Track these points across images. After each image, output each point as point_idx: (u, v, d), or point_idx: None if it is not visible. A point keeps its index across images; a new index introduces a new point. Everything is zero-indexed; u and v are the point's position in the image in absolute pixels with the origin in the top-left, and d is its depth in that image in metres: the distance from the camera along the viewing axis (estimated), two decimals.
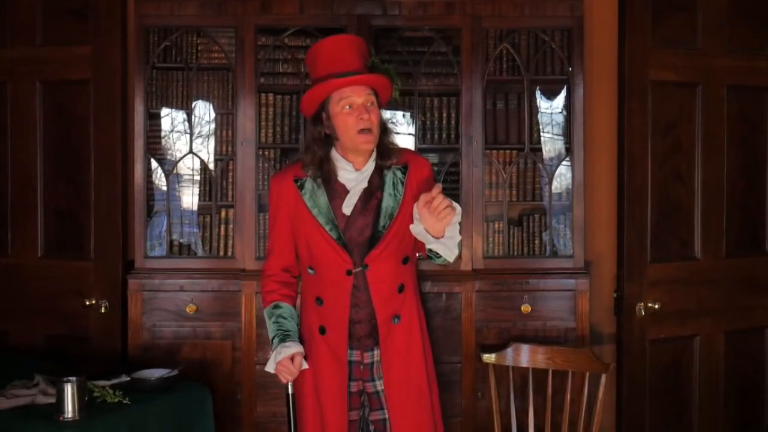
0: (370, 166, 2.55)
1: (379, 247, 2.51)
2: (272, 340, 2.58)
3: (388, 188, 2.55)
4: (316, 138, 2.53)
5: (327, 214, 2.53)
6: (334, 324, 2.55)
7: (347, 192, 2.55)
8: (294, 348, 2.52)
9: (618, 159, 3.48)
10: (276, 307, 2.61)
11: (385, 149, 2.56)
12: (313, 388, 2.58)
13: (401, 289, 2.57)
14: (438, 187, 2.31)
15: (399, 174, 2.57)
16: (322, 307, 2.57)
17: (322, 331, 2.56)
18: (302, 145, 3.50)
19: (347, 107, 2.46)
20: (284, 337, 2.55)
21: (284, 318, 2.59)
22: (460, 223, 2.43)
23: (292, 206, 2.58)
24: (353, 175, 2.54)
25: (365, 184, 2.55)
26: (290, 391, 2.58)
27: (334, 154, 2.55)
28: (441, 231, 2.36)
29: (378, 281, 2.53)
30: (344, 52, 2.50)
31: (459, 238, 2.44)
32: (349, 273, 2.52)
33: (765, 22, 3.64)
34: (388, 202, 2.54)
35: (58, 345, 3.56)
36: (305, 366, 2.56)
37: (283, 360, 2.50)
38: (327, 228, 2.52)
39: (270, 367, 2.54)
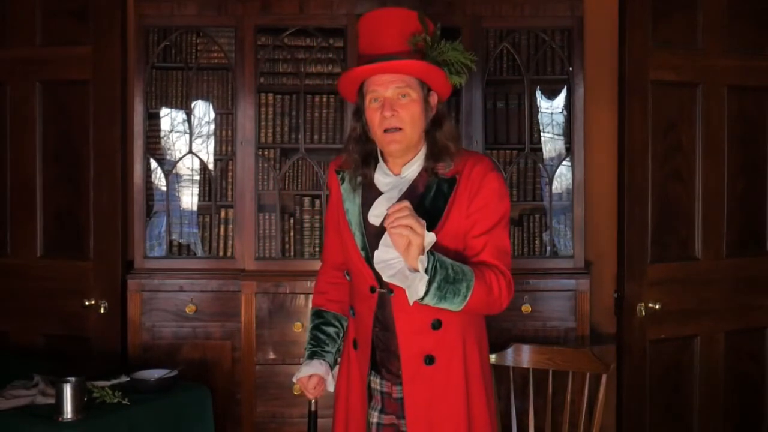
0: (412, 170, 2.12)
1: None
2: (304, 350, 2.35)
3: (426, 201, 2.08)
4: (353, 136, 2.18)
5: (358, 219, 2.15)
6: (362, 342, 2.20)
7: None
8: (314, 368, 2.27)
9: (618, 159, 3.48)
10: (317, 315, 2.35)
11: (435, 148, 2.10)
12: (345, 405, 2.27)
13: (437, 325, 2.09)
14: (400, 204, 1.88)
15: (445, 187, 2.08)
16: (355, 319, 2.24)
17: (355, 345, 2.24)
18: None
19: (374, 101, 2.06)
20: (312, 354, 2.30)
21: (321, 330, 2.32)
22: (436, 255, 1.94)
23: (336, 198, 2.25)
24: (389, 180, 2.13)
25: (398, 193, 2.10)
26: (312, 409, 2.42)
27: (379, 154, 2.17)
28: (413, 260, 1.89)
29: (404, 311, 2.06)
30: (380, 31, 2.07)
31: (424, 278, 1.89)
32: (372, 290, 2.14)
33: (765, 22, 3.64)
34: (422, 216, 1.97)
35: (58, 345, 3.56)
36: (330, 388, 2.31)
37: (302, 378, 2.29)
38: (356, 235, 2.15)
39: (294, 379, 2.33)
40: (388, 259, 1.94)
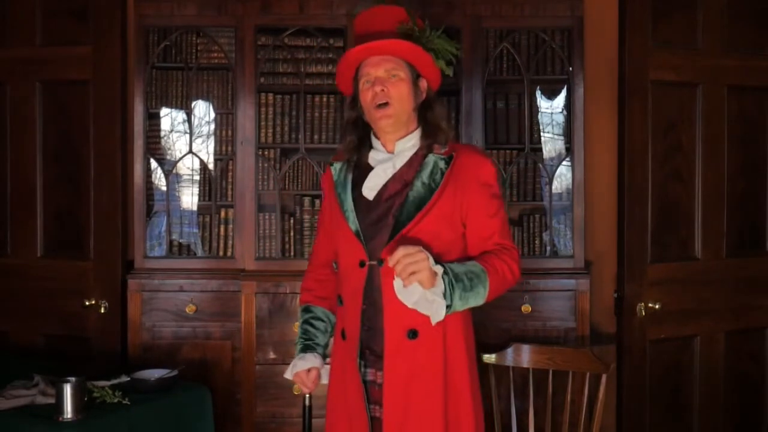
0: (408, 149, 2.25)
1: (396, 241, 2.13)
2: (295, 345, 2.41)
3: (422, 176, 2.20)
4: (349, 121, 2.31)
5: (349, 198, 2.26)
6: (351, 328, 2.24)
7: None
8: (310, 362, 2.34)
9: (618, 159, 3.48)
10: (306, 310, 2.42)
11: (429, 127, 2.25)
12: (344, 399, 2.29)
13: None
14: (400, 251, 1.98)
15: (441, 163, 2.21)
16: (342, 308, 2.30)
17: (343, 335, 2.28)
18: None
19: (367, 83, 2.22)
20: (305, 348, 2.36)
21: (311, 324, 2.39)
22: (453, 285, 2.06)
23: (329, 194, 2.37)
24: (383, 156, 2.26)
25: (393, 168, 2.24)
26: (307, 403, 2.47)
27: (372, 135, 2.31)
28: (427, 285, 2.02)
29: (392, 282, 2.11)
30: (372, 23, 2.26)
31: (443, 303, 2.04)
32: (362, 264, 2.19)
33: (765, 22, 3.64)
34: (418, 190, 2.18)
35: (58, 345, 3.56)
36: (324, 380, 2.36)
37: (300, 372, 2.34)
38: (347, 213, 2.24)
39: (288, 375, 2.39)
40: (408, 288, 2.04)
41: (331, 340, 2.42)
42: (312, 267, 2.49)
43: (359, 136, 2.30)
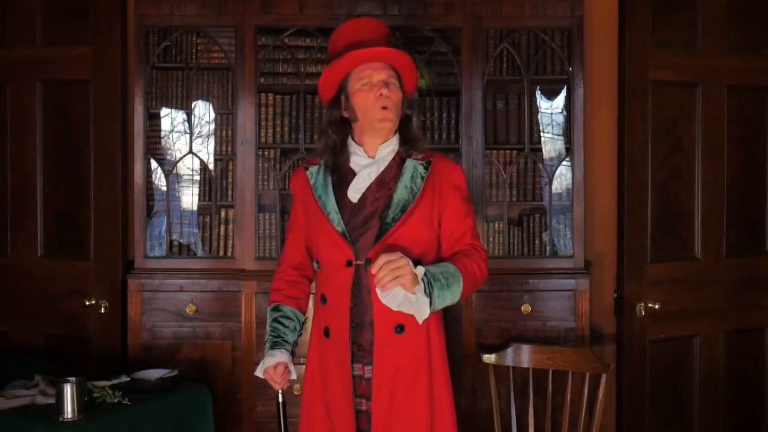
0: (387, 154, 2.36)
1: (383, 242, 2.25)
2: (265, 344, 2.45)
3: (404, 180, 2.32)
4: (332, 121, 2.38)
5: (332, 202, 2.33)
6: (337, 325, 2.32)
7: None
8: (278, 357, 2.38)
9: (618, 159, 3.48)
10: (276, 309, 2.46)
11: (408, 137, 2.38)
12: (322, 397, 2.39)
13: None
14: (382, 259, 2.06)
15: (421, 169, 2.34)
16: (326, 306, 2.36)
17: (326, 333, 2.35)
18: (300, 144, 3.52)
19: (365, 85, 2.31)
20: (274, 344, 2.41)
21: (281, 323, 2.44)
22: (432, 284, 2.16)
23: (303, 197, 2.43)
24: (365, 161, 2.36)
25: (377, 171, 2.35)
26: (280, 400, 2.49)
27: (350, 140, 2.39)
28: (410, 289, 2.11)
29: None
30: (366, 30, 2.37)
31: (426, 300, 2.13)
32: (349, 264, 2.28)
33: (765, 22, 3.64)
34: (401, 193, 2.30)
35: (58, 345, 3.56)
36: (293, 376, 2.42)
37: (268, 368, 2.39)
38: (329, 215, 2.32)
39: (258, 373, 2.43)
40: (390, 292, 2.11)
41: (301, 339, 2.49)
42: (281, 268, 2.53)
43: (342, 137, 2.38)
